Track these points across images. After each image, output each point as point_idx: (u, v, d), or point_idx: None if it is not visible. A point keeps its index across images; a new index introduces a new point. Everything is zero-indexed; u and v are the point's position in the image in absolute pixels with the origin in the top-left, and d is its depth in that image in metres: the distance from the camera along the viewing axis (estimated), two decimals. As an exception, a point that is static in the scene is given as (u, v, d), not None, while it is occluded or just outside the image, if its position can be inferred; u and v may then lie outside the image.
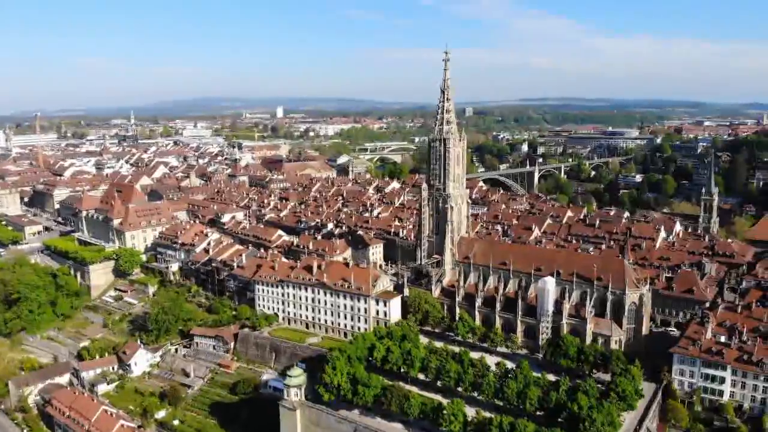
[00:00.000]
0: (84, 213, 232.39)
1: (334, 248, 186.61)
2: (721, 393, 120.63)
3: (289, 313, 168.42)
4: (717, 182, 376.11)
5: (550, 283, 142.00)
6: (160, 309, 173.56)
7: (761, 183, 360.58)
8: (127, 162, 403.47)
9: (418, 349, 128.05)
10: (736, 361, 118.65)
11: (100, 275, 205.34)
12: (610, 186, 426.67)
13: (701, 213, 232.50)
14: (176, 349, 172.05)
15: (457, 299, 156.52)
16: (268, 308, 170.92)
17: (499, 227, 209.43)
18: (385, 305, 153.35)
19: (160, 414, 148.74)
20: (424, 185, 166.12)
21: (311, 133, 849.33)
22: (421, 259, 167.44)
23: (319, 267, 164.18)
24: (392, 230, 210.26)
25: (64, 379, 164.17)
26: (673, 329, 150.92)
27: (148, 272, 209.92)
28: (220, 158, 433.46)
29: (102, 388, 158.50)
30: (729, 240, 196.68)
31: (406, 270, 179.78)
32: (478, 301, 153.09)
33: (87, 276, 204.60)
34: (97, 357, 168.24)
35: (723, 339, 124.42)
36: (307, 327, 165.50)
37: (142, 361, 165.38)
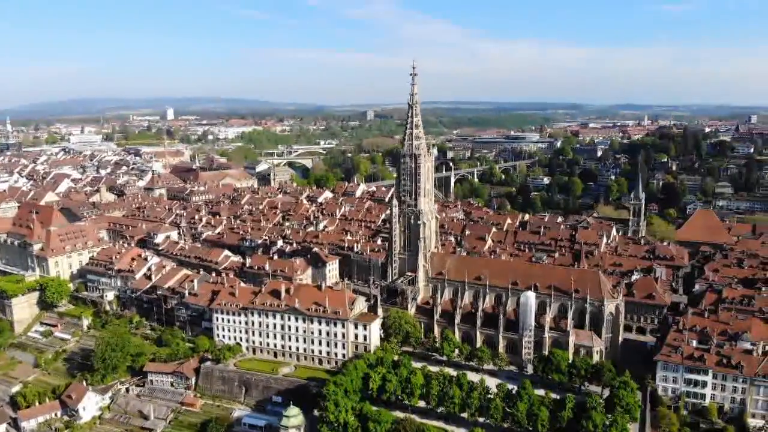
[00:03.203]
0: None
1: (295, 268, 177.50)
2: (703, 396, 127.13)
3: (254, 342, 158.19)
4: (620, 183, 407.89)
5: (531, 298, 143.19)
6: (106, 345, 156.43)
7: (660, 183, 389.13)
8: (20, 175, 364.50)
9: (416, 376, 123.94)
10: (717, 366, 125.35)
11: (23, 309, 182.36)
12: (521, 189, 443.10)
13: (630, 217, 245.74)
14: (127, 389, 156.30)
15: (435, 317, 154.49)
16: (230, 338, 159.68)
17: (452, 238, 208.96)
18: (364, 329, 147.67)
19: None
20: (395, 201, 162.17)
21: (210, 137, 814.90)
22: (392, 277, 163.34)
23: (287, 291, 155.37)
24: (345, 245, 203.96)
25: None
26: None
27: (78, 302, 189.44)
28: (125, 168, 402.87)
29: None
30: (665, 243, 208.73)
31: (371, 287, 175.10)
32: (458, 318, 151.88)
33: (9, 310, 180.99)
34: (37, 403, 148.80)
35: (694, 343, 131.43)
36: (276, 356, 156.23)
37: (90, 405, 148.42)
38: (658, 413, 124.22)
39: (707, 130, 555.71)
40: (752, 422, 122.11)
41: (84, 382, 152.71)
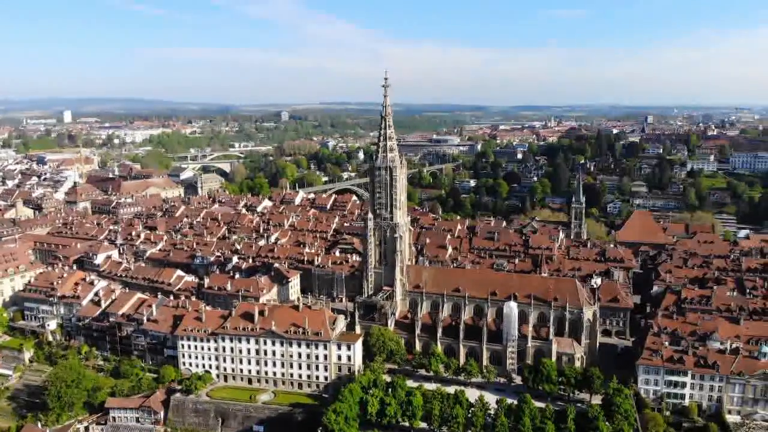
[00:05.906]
0: None
1: (261, 287, 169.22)
2: (683, 396, 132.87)
3: (225, 369, 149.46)
4: (544, 184, 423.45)
5: (514, 308, 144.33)
6: (60, 381, 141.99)
7: (581, 184, 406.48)
8: None
9: (415, 397, 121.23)
10: (696, 366, 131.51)
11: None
12: (451, 192, 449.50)
13: (572, 219, 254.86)
14: (87, 428, 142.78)
15: (416, 331, 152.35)
16: (197, 366, 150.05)
17: (413, 247, 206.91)
18: (348, 349, 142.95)
19: None
20: (369, 214, 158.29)
21: (116, 141, 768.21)
22: (368, 292, 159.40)
23: (261, 313, 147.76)
24: (305, 258, 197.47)
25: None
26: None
27: (15, 333, 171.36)
28: (35, 178, 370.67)
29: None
30: (612, 245, 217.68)
31: (346, 303, 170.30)
32: (439, 332, 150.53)
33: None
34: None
35: (666, 344, 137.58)
36: (251, 382, 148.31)
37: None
38: (645, 416, 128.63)
39: (615, 131, 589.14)
40: (730, 418, 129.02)
41: (38, 423, 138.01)
